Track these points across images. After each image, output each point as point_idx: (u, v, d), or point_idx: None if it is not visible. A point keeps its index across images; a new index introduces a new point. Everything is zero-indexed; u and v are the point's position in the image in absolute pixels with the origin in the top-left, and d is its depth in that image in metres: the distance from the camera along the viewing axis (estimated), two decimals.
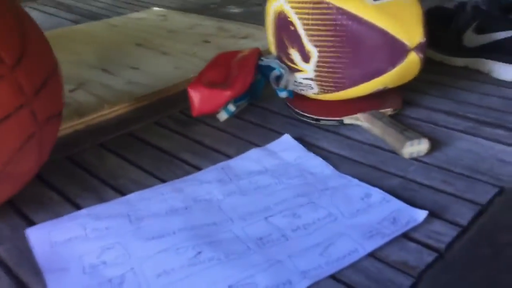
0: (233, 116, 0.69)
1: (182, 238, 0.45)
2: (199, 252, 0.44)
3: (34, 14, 1.36)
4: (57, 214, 0.50)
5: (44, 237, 0.46)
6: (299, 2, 0.64)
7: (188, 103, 0.67)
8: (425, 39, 0.59)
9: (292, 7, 0.65)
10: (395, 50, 0.58)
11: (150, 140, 0.65)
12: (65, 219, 0.49)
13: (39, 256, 0.44)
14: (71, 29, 1.21)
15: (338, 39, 0.61)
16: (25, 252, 0.45)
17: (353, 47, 0.60)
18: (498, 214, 0.47)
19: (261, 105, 0.73)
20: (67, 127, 0.68)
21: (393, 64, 0.59)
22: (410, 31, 0.58)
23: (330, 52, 0.62)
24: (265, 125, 0.68)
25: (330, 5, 0.60)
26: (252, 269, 0.41)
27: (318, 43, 0.63)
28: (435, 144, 0.59)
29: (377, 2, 0.59)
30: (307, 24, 0.63)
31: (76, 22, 1.31)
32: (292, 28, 0.65)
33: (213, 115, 0.69)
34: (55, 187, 0.55)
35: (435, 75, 0.80)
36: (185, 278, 0.41)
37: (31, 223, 0.49)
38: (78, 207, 0.51)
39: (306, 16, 0.63)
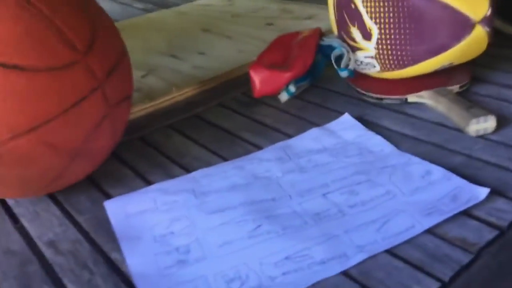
0: (294, 96, 0.70)
1: (242, 212, 0.48)
2: (259, 226, 0.46)
3: (109, 5, 1.44)
4: (131, 189, 0.54)
5: (120, 209, 0.51)
6: None
7: (250, 85, 0.69)
8: (491, 11, 0.56)
9: None
10: (459, 25, 0.56)
11: (214, 121, 0.68)
12: (138, 193, 0.53)
13: (116, 226, 0.48)
14: (143, 18, 1.26)
15: (398, 15, 0.60)
16: (103, 222, 0.49)
17: (415, 23, 0.59)
18: None
19: (322, 86, 0.74)
20: (139, 110, 0.72)
21: (457, 39, 0.57)
22: (474, 3, 0.56)
23: (391, 28, 0.61)
24: (326, 105, 0.68)
25: None
26: (309, 242, 0.43)
27: (379, 20, 0.62)
28: (503, 121, 0.57)
29: None
30: (367, 1, 0.62)
31: (148, 11, 1.37)
32: (353, 5, 0.65)
33: (274, 96, 0.70)
34: (129, 164, 0.59)
35: (506, 49, 0.76)
36: (245, 248, 0.43)
37: (109, 196, 0.53)
38: (149, 183, 0.55)
39: None
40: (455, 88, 0.63)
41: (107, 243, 0.46)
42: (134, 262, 0.43)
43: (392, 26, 0.61)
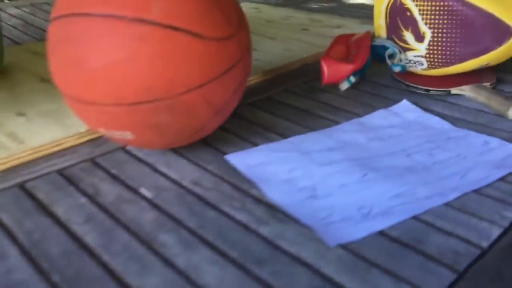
0: (350, 87, 0.83)
1: (347, 166, 0.59)
2: (365, 174, 0.57)
3: None
4: (239, 148, 0.64)
5: (241, 161, 0.61)
6: None
7: (307, 77, 0.81)
8: None
9: None
10: (501, 31, 0.71)
11: (288, 102, 0.79)
12: (250, 150, 0.64)
13: (245, 172, 0.59)
14: None
15: (451, 22, 0.74)
16: (231, 170, 0.59)
17: (465, 29, 0.73)
18: None
19: (371, 80, 0.87)
20: None
21: (499, 43, 0.72)
22: None
23: (444, 33, 0.75)
24: (381, 94, 0.81)
25: None
26: (411, 184, 0.55)
27: (433, 25, 0.76)
28: None
29: None
30: (423, 10, 0.76)
31: None
32: (409, 13, 0.79)
33: (333, 86, 0.83)
34: (230, 131, 0.69)
35: None
36: (360, 189, 0.55)
37: (223, 153, 0.63)
38: (254, 144, 0.65)
39: (423, 3, 0.76)
40: (488, 84, 0.78)
41: (242, 183, 0.57)
42: (275, 196, 0.54)
43: (444, 31, 0.75)
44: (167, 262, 0.45)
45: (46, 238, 0.48)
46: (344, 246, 0.47)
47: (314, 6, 1.49)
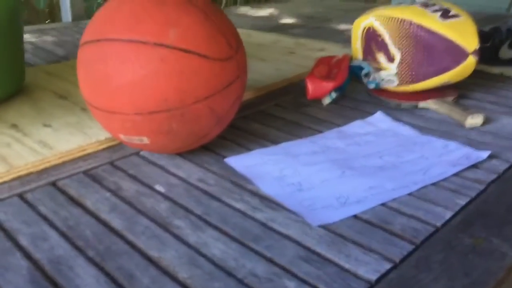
0: (332, 102, 0.95)
1: (328, 165, 0.70)
2: (343, 171, 0.68)
3: None
4: (236, 152, 0.75)
5: (239, 163, 0.72)
6: (386, 20, 0.90)
7: (294, 93, 0.93)
8: (479, 46, 0.84)
9: (381, 24, 0.91)
10: (459, 54, 0.84)
11: (277, 115, 0.90)
12: (246, 155, 0.75)
13: (243, 172, 0.69)
14: None
15: (416, 46, 0.86)
16: (230, 170, 0.70)
17: (428, 51, 0.85)
18: None
19: (350, 96, 0.99)
20: None
21: (457, 63, 0.84)
22: (469, 40, 0.84)
23: (410, 54, 0.87)
24: (358, 108, 0.93)
25: (412, 23, 0.86)
26: (381, 179, 0.66)
27: (401, 48, 0.88)
28: (485, 121, 0.84)
29: (445, 21, 0.84)
30: (393, 35, 0.89)
31: None
32: (380, 38, 0.91)
33: (316, 102, 0.94)
34: (227, 138, 0.80)
35: (478, 79, 1.05)
36: (339, 183, 0.66)
37: (223, 157, 0.74)
38: (248, 149, 0.76)
39: (393, 30, 0.89)
40: (450, 99, 0.90)
41: (240, 180, 0.67)
42: (268, 189, 0.65)
43: (411, 53, 0.87)
44: (181, 240, 0.55)
45: (79, 224, 0.58)
46: (324, 227, 0.57)
47: (299, 31, 1.62)
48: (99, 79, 0.63)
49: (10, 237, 0.56)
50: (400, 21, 0.87)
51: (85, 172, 0.70)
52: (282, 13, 2.02)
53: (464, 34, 0.84)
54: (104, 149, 0.76)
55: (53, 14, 2.69)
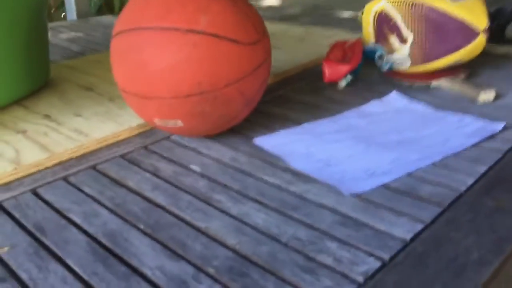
0: (347, 85, 0.98)
1: (352, 142, 0.74)
2: (367, 147, 0.72)
3: None
4: (262, 133, 0.78)
5: (266, 142, 0.75)
6: (398, 3, 0.93)
7: (310, 78, 0.96)
8: (489, 25, 0.88)
9: (393, 7, 0.94)
10: (469, 33, 0.88)
11: (295, 99, 0.94)
12: (272, 135, 0.78)
13: (272, 150, 0.73)
14: None
15: (428, 27, 0.90)
16: (259, 150, 0.73)
17: (440, 31, 0.89)
18: None
19: (364, 79, 1.03)
20: None
21: (468, 42, 0.88)
22: (479, 20, 0.87)
23: (422, 35, 0.91)
24: (373, 89, 0.97)
25: (424, 5, 0.89)
26: (404, 152, 0.70)
27: (413, 30, 0.92)
28: (496, 96, 0.88)
29: (456, 2, 0.88)
30: (405, 18, 0.92)
31: None
32: (392, 22, 0.95)
33: (332, 85, 0.98)
34: (251, 121, 0.83)
35: (485, 58, 1.09)
36: (365, 158, 0.69)
37: (250, 137, 0.77)
38: (273, 130, 0.80)
39: (405, 13, 0.92)
40: (461, 77, 0.94)
41: (270, 158, 0.71)
42: (298, 165, 0.68)
43: (423, 34, 0.91)
44: (224, 212, 0.59)
45: (126, 202, 0.62)
46: (356, 195, 0.61)
47: (306, 20, 1.66)
48: (135, 66, 0.66)
49: (63, 215, 0.60)
50: (412, 4, 0.91)
51: (122, 156, 0.73)
52: (287, 4, 2.05)
53: (474, 14, 0.88)
54: (136, 135, 0.79)
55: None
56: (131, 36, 0.66)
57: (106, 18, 1.86)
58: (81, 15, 1.91)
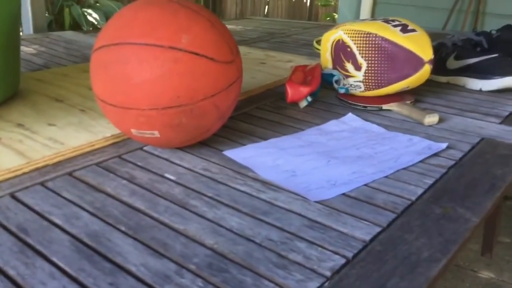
0: (307, 106, 1.06)
1: (315, 156, 0.81)
2: (329, 161, 0.79)
3: None
4: (232, 147, 0.84)
5: (236, 155, 0.81)
6: (354, 33, 1.02)
7: (272, 98, 1.03)
8: (433, 56, 0.98)
9: (349, 36, 1.03)
10: (416, 62, 0.98)
11: (261, 116, 1.00)
12: (241, 148, 0.84)
13: (242, 162, 0.78)
14: None
15: (380, 55, 0.99)
16: (229, 161, 0.78)
17: (391, 60, 0.99)
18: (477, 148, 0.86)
19: (322, 100, 1.11)
20: None
21: (415, 71, 0.98)
22: (425, 51, 0.98)
23: (375, 63, 1.00)
24: (331, 110, 1.05)
25: (377, 35, 0.99)
26: (361, 166, 0.77)
27: (367, 58, 1.01)
28: (439, 120, 0.98)
29: (405, 34, 0.98)
30: (360, 47, 1.02)
31: None
32: (349, 49, 1.04)
33: (293, 105, 1.05)
34: (220, 135, 0.89)
35: (430, 86, 1.21)
36: (327, 170, 0.76)
37: (220, 150, 0.82)
38: (242, 144, 0.85)
39: (359, 42, 1.02)
40: (408, 102, 1.04)
41: (240, 169, 0.76)
42: (266, 175, 0.74)
43: (376, 62, 1.00)
44: (200, 216, 0.63)
45: (105, 205, 0.65)
46: (321, 202, 0.67)
47: (265, 45, 1.74)
48: (117, 78, 0.70)
49: (45, 217, 0.62)
50: (367, 34, 1.00)
51: (97, 164, 0.76)
52: (246, 30, 2.14)
53: (421, 46, 0.98)
54: (110, 145, 0.82)
55: None
56: (115, 49, 0.70)
57: (67, 33, 1.86)
58: (37, 30, 1.90)
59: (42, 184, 0.70)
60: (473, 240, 1.79)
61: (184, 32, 0.70)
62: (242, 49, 1.55)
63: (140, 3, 0.75)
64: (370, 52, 1.01)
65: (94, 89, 0.75)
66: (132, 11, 0.72)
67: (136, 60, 0.68)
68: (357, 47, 1.02)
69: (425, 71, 0.99)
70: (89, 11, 4.27)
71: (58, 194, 0.67)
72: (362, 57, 1.02)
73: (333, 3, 5.45)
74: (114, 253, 0.55)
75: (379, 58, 1.00)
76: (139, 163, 0.78)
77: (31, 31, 1.94)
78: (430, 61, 0.98)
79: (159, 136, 0.74)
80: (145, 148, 0.83)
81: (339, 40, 1.06)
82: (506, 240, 1.83)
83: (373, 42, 1.00)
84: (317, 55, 1.20)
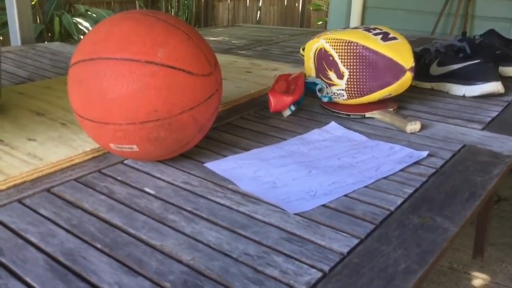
0: (291, 114, 1.06)
1: (296, 166, 0.81)
2: (310, 171, 0.79)
3: None
4: (213, 159, 0.83)
5: (218, 167, 0.80)
6: (336, 42, 1.03)
7: (256, 107, 1.03)
8: (414, 64, 0.99)
9: (331, 45, 1.04)
10: (398, 70, 0.98)
11: (244, 126, 1.00)
12: (223, 160, 0.84)
13: (222, 174, 0.78)
14: None
15: (362, 64, 1.00)
16: (210, 173, 0.78)
17: (372, 68, 0.99)
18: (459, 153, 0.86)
19: (306, 109, 1.11)
20: None
21: (396, 79, 0.98)
22: (406, 59, 0.98)
23: (357, 71, 1.00)
24: (314, 119, 1.05)
25: (358, 44, 0.99)
26: (342, 176, 0.77)
27: (349, 67, 1.01)
28: (422, 127, 0.98)
29: (386, 43, 0.99)
30: (342, 55, 1.02)
31: None
32: (331, 58, 1.04)
33: (277, 114, 1.05)
34: (203, 148, 0.88)
35: (413, 93, 1.21)
36: (308, 181, 0.76)
37: (202, 163, 0.82)
38: (224, 156, 0.85)
39: (341, 51, 1.02)
40: (391, 109, 1.04)
41: (221, 181, 0.76)
42: (247, 187, 0.74)
43: (357, 70, 1.00)
44: (178, 231, 0.63)
45: (82, 222, 0.64)
46: (300, 214, 0.67)
47: (251, 53, 1.74)
48: (93, 93, 0.70)
49: (20, 235, 0.61)
50: (348, 43, 1.00)
51: (76, 180, 0.76)
52: (234, 37, 2.14)
53: (402, 54, 0.99)
54: (90, 159, 0.82)
55: None
56: (91, 64, 0.70)
57: (53, 45, 1.86)
58: (25, 41, 1.90)
59: (19, 201, 0.69)
60: (467, 244, 1.79)
61: (161, 46, 0.70)
62: (228, 58, 1.56)
63: (116, 17, 0.75)
64: (351, 60, 1.01)
65: (72, 104, 0.74)
66: (108, 26, 0.72)
67: (112, 75, 0.68)
68: (339, 55, 1.02)
69: (407, 78, 0.99)
70: (80, 20, 4.28)
71: (35, 211, 0.67)
72: (344, 65, 1.02)
73: (324, 8, 5.48)
74: (89, 271, 0.55)
75: (361, 67, 1.00)
76: (118, 178, 0.77)
77: (19, 42, 1.94)
78: (411, 69, 0.99)
79: (138, 150, 0.74)
80: (125, 161, 0.83)
81: (321, 48, 1.06)
82: (499, 242, 1.84)
83: (354, 50, 1.00)
84: (303, 62, 1.20)
